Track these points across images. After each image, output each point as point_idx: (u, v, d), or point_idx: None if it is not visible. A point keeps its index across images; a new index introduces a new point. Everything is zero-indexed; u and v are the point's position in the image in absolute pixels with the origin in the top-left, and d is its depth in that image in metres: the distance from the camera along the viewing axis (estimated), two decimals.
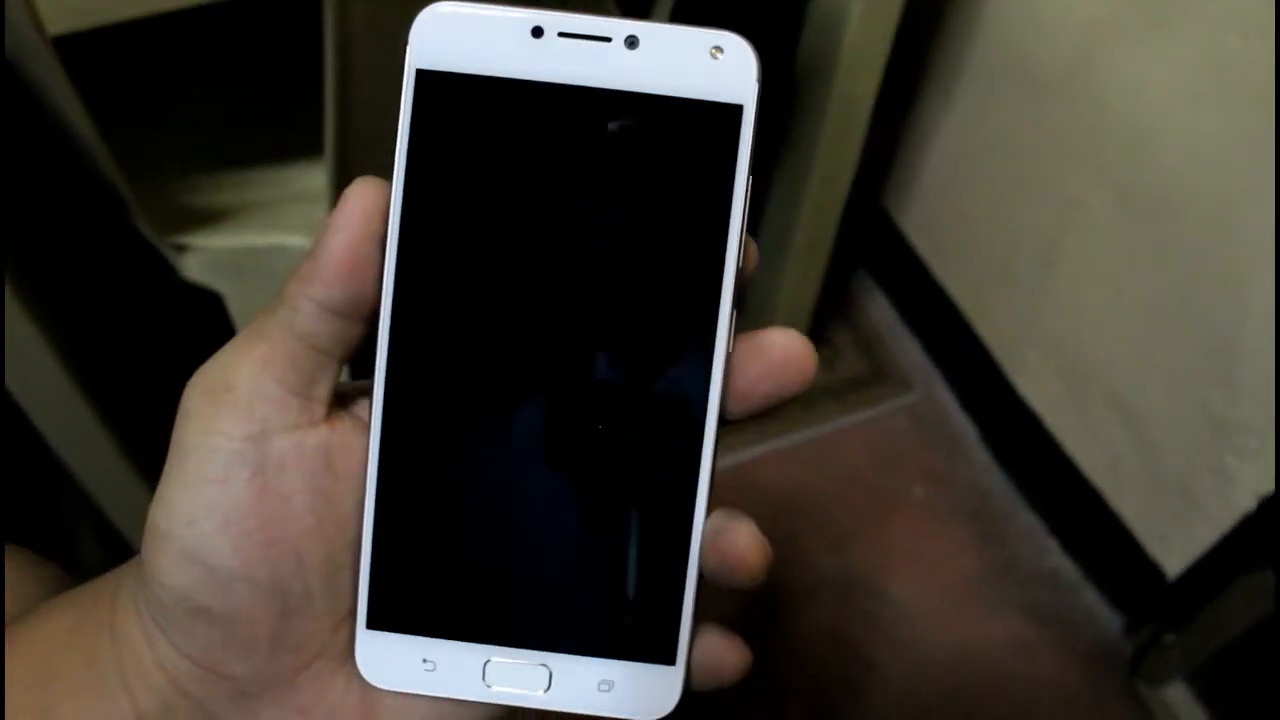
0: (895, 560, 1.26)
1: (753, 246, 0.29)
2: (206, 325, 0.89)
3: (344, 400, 0.30)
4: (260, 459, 0.28)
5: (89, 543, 1.03)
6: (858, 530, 1.28)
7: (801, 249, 1.17)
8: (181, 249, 0.80)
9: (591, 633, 0.30)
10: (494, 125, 0.28)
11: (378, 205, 0.28)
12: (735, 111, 0.28)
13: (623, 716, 0.30)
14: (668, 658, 0.30)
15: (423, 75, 0.28)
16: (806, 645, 1.18)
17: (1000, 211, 1.23)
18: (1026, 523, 1.31)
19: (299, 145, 0.85)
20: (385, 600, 0.30)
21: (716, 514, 0.29)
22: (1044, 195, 1.16)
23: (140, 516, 0.29)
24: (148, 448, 0.90)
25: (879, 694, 1.17)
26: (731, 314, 0.29)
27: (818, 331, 1.41)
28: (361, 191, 0.28)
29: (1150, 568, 1.17)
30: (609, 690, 0.30)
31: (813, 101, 1.02)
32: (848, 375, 1.40)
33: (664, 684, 0.30)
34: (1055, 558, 1.28)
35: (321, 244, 0.28)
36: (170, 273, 0.82)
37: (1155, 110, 0.99)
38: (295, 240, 0.80)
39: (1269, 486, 1.00)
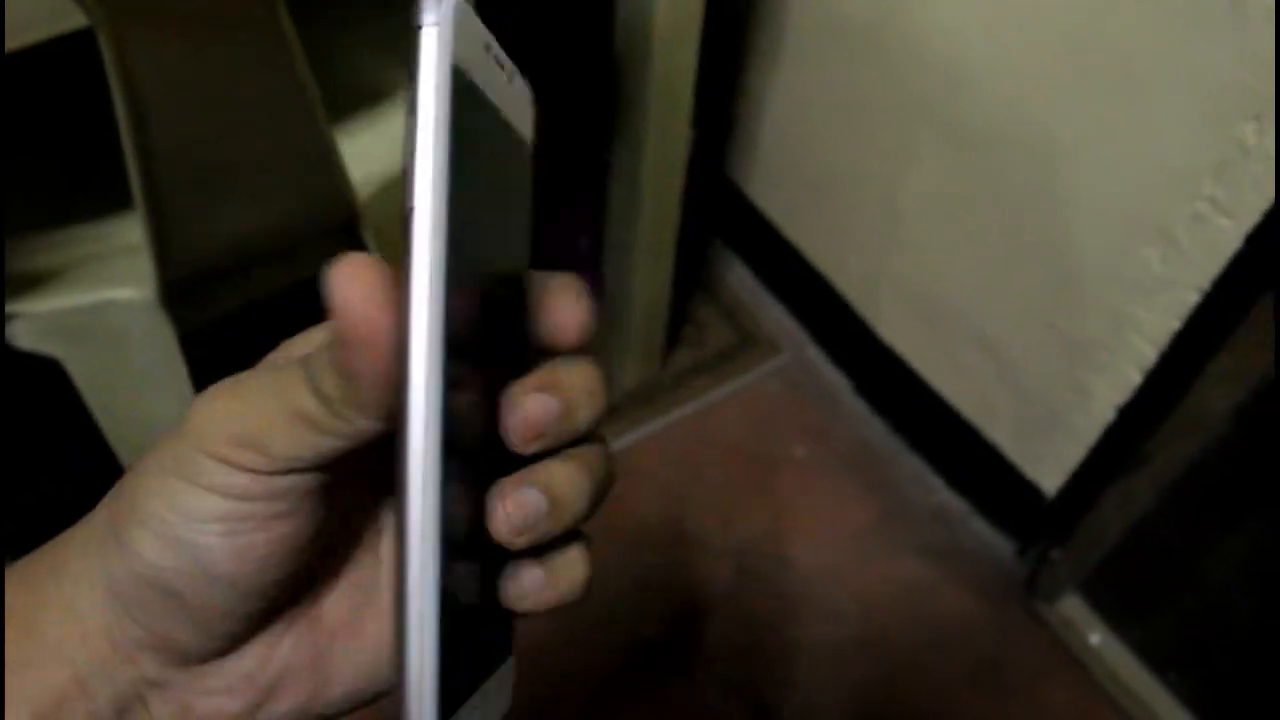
0: (787, 522, 1.28)
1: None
2: (48, 393, 0.86)
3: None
4: (280, 492, 0.27)
5: None
6: (746, 499, 1.29)
7: (649, 230, 1.17)
8: (8, 317, 0.78)
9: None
10: None
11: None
12: None
13: None
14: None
15: None
16: (711, 619, 1.19)
17: (838, 165, 1.25)
18: (909, 465, 1.33)
19: (119, 197, 0.82)
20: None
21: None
22: (876, 143, 1.18)
23: None
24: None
25: (790, 656, 1.18)
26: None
27: (681, 308, 1.42)
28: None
29: (1030, 490, 1.20)
30: None
31: (634, 84, 1.03)
32: (716, 347, 1.41)
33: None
34: (941, 495, 1.31)
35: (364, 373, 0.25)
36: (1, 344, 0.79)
37: (964, 46, 1.01)
38: (125, 293, 0.78)
39: (1125, 396, 1.04)
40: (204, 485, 0.26)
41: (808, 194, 1.34)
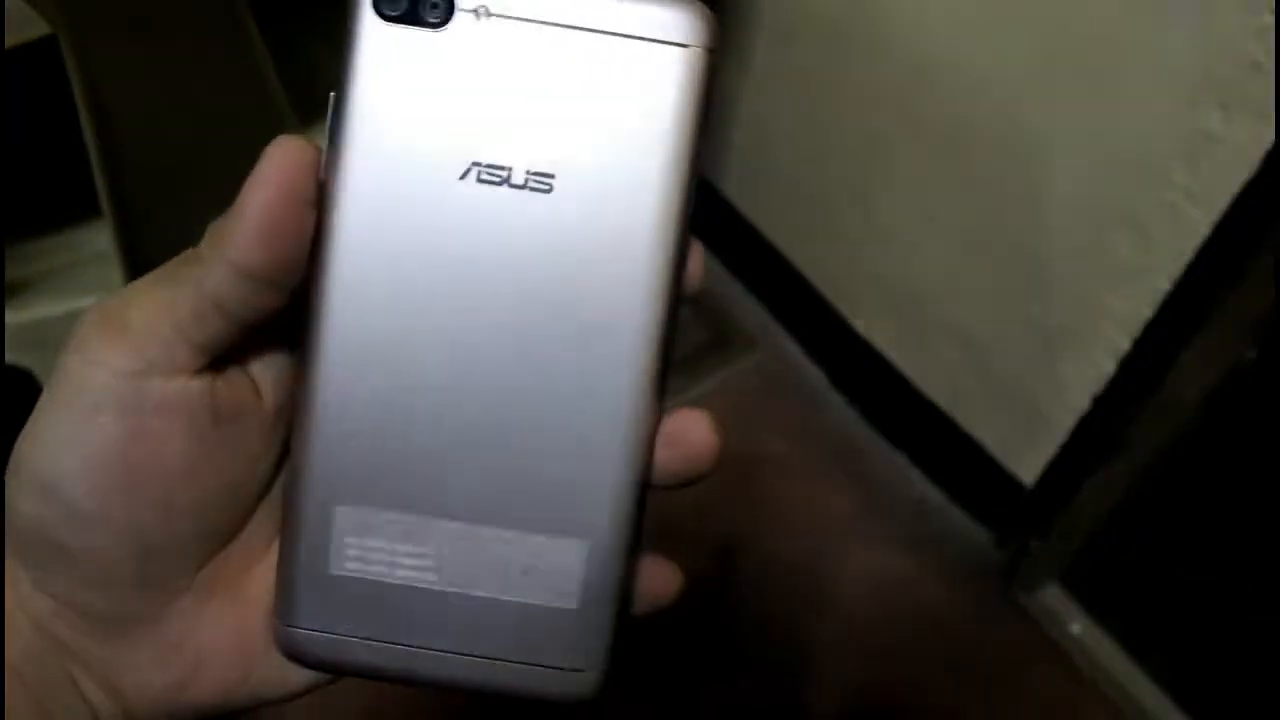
0: (766, 516, 1.28)
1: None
2: (21, 404, 0.85)
3: (240, 356, 0.28)
4: (138, 399, 0.26)
5: None
6: (725, 494, 1.29)
7: None
8: None
9: None
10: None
11: (300, 164, 0.26)
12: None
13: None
14: None
15: None
16: (689, 615, 1.19)
17: (811, 161, 1.26)
18: (888, 458, 1.34)
19: (88, 205, 0.82)
20: None
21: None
22: (847, 138, 1.18)
23: None
24: None
25: (770, 651, 1.18)
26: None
27: None
28: (282, 149, 0.26)
29: (1008, 480, 1.21)
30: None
31: None
32: (693, 345, 1.41)
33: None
34: (920, 487, 1.31)
35: (239, 201, 0.26)
36: None
37: (935, 42, 1.01)
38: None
39: (1100, 385, 1.04)
40: (64, 407, 0.26)
41: (782, 190, 1.34)
